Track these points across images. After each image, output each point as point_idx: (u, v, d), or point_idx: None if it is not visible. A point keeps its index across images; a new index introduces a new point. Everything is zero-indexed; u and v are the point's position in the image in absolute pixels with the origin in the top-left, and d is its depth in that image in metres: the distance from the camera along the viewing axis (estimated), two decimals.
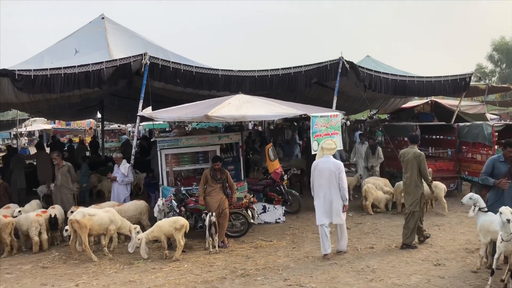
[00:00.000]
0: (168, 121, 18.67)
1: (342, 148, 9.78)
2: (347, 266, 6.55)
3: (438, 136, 12.75)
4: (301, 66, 10.60)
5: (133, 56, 9.39)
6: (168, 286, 6.03)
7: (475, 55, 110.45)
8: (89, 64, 9.06)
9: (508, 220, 5.29)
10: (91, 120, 30.34)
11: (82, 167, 12.08)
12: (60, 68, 8.93)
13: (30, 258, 7.57)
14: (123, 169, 9.37)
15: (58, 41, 11.96)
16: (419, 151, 7.35)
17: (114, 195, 9.46)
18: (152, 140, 14.40)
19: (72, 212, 7.94)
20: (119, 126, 32.06)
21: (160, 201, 8.26)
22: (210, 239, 7.49)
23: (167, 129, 21.32)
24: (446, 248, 7.20)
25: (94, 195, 12.47)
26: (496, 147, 10.08)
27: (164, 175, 9.16)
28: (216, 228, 7.50)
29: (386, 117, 20.49)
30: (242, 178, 9.76)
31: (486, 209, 6.06)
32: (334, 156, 7.16)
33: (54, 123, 33.07)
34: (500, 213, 5.42)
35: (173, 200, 8.24)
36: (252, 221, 8.33)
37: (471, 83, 13.23)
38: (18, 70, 8.78)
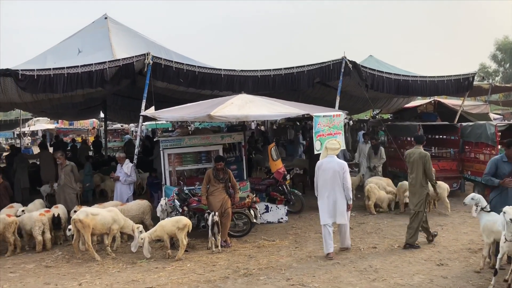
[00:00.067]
0: (171, 121, 18.74)
1: (345, 147, 9.76)
2: (349, 265, 6.54)
3: (441, 136, 12.71)
4: (304, 66, 10.60)
5: (136, 56, 9.40)
6: (171, 285, 6.04)
7: (479, 55, 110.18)
8: (92, 64, 9.08)
9: None
10: (94, 119, 30.46)
11: (85, 166, 12.11)
12: (63, 68, 8.96)
13: (33, 257, 7.60)
14: (126, 169, 9.39)
15: (61, 41, 12.01)
16: (424, 151, 7.34)
17: (117, 195, 9.48)
18: (155, 139, 14.48)
19: (75, 211, 7.96)
20: (122, 126, 32.09)
21: (163, 201, 8.26)
22: (213, 238, 7.49)
23: (170, 129, 21.43)
24: (449, 248, 7.19)
25: (97, 195, 12.48)
26: (499, 147, 10.05)
27: (167, 174, 9.18)
28: (219, 227, 7.49)
29: (389, 116, 20.48)
30: (245, 177, 9.77)
31: (489, 209, 6.06)
32: (337, 156, 7.16)
33: (57, 122, 33.21)
34: (504, 212, 5.41)
35: (176, 200, 8.23)
36: (254, 220, 8.33)
37: (474, 82, 13.20)
38: (21, 70, 8.82)
